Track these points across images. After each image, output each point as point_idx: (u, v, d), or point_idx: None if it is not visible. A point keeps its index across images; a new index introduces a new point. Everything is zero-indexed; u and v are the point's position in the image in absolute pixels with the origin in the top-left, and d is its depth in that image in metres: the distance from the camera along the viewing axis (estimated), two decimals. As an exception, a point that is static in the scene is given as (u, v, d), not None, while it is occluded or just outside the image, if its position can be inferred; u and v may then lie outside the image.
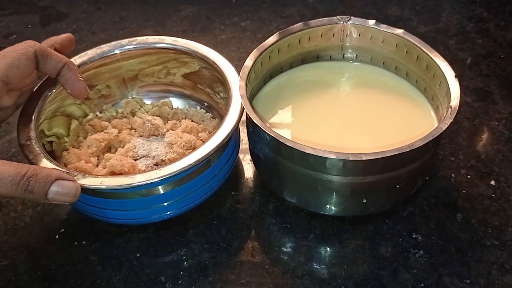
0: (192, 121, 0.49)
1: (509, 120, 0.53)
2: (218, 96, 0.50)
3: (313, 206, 0.43)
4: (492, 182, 0.47)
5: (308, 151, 0.37)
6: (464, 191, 0.47)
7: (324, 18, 0.48)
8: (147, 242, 0.44)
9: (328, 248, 0.43)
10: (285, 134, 0.44)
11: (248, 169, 0.50)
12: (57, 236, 0.45)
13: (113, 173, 0.43)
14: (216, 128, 0.41)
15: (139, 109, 0.52)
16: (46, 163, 0.39)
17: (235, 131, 0.43)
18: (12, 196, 0.35)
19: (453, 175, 0.48)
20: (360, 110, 0.47)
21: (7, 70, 0.38)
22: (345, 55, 0.50)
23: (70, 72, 0.40)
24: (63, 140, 0.48)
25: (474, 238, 0.43)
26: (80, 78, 0.41)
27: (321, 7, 0.68)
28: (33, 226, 0.46)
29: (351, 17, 0.48)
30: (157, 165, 0.45)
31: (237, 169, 0.50)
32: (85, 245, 0.44)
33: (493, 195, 0.46)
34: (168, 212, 0.42)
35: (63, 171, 0.37)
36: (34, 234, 0.45)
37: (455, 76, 0.42)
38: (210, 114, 0.51)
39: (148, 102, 0.53)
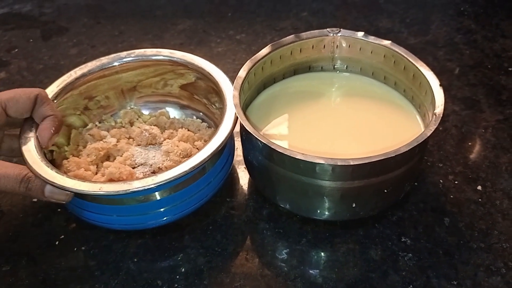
0: (188, 130, 0.51)
1: (495, 127, 0.54)
2: (214, 107, 0.52)
3: (305, 211, 0.44)
4: (479, 188, 0.49)
5: (298, 156, 0.39)
6: (451, 196, 0.48)
7: (315, 31, 0.50)
8: (144, 247, 0.45)
9: (320, 252, 0.44)
10: (278, 141, 0.46)
11: (243, 176, 0.51)
12: (57, 242, 0.46)
13: (111, 181, 0.44)
14: (211, 136, 0.43)
15: (137, 119, 0.53)
16: (46, 170, 0.40)
17: (230, 139, 0.45)
18: (15, 192, 0.41)
19: (441, 180, 0.49)
20: (350, 118, 0.49)
21: (7, 100, 0.43)
22: (336, 66, 0.52)
23: (50, 122, 0.43)
24: (63, 149, 0.49)
25: (461, 241, 0.44)
26: (52, 131, 0.43)
27: (314, 20, 0.70)
28: (34, 232, 0.47)
29: (341, 29, 0.50)
30: (154, 173, 0.46)
31: (232, 176, 0.51)
32: (84, 251, 0.45)
33: (480, 199, 0.48)
34: (165, 218, 0.44)
35: (55, 183, 0.40)
36: (35, 240, 0.46)
37: (440, 85, 0.43)
38: (206, 123, 0.52)
39: (145, 112, 0.55)
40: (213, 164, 0.44)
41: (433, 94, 0.43)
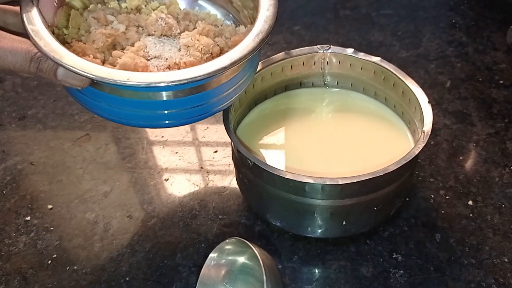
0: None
1: (486, 141, 0.55)
2: None
3: (296, 228, 0.44)
4: (470, 202, 0.49)
5: (287, 176, 0.39)
6: (443, 211, 0.48)
7: (305, 48, 0.50)
8: (136, 266, 0.45)
9: (312, 269, 0.44)
10: (269, 159, 0.46)
11: (235, 194, 0.51)
12: (49, 262, 0.46)
13: None
14: (237, 32, 0.41)
15: (145, 5, 0.46)
16: (66, 53, 0.35)
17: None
18: (26, 72, 0.35)
19: (432, 195, 0.50)
20: (341, 134, 0.49)
21: None
22: (327, 82, 0.53)
23: None
24: (61, 31, 0.42)
25: (452, 257, 0.44)
26: (55, 4, 0.38)
27: (306, 34, 0.70)
28: (26, 252, 0.47)
29: (331, 46, 0.50)
30: (169, 68, 0.41)
31: (224, 193, 0.51)
32: (77, 270, 0.45)
33: (471, 214, 0.48)
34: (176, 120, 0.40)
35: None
36: (27, 260, 0.46)
37: (429, 102, 0.44)
38: (222, 18, 0.47)
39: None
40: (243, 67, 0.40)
41: (422, 111, 0.43)
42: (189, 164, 0.55)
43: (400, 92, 0.47)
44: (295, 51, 0.50)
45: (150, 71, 0.40)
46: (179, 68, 0.40)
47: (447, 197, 0.49)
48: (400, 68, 0.48)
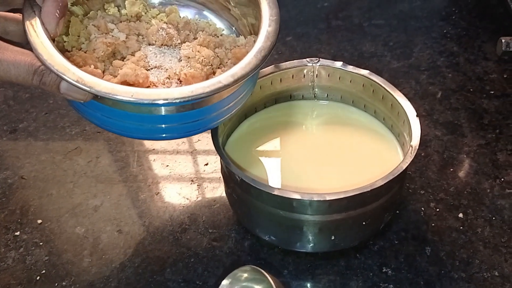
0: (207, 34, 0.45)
1: (477, 153, 0.55)
2: (232, 4, 0.46)
3: (285, 243, 0.44)
4: (460, 215, 0.49)
5: (275, 192, 0.39)
6: (433, 224, 0.48)
7: (294, 61, 0.50)
8: (125, 281, 0.45)
9: (302, 284, 0.44)
10: (259, 173, 0.46)
11: (225, 207, 0.51)
12: (38, 278, 0.46)
13: (125, 83, 0.39)
14: (235, 43, 0.42)
15: (145, 13, 0.46)
16: (71, 68, 0.35)
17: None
18: (29, 85, 0.36)
19: (422, 208, 0.49)
20: (332, 147, 0.49)
21: None
22: (317, 94, 0.53)
23: (53, 3, 0.37)
24: (61, 38, 0.42)
25: (442, 271, 0.44)
26: (57, 15, 0.37)
27: (298, 45, 0.71)
28: (15, 267, 0.47)
29: (320, 59, 0.50)
30: (169, 78, 0.41)
31: (214, 207, 0.51)
32: (65, 286, 0.45)
33: (461, 227, 0.48)
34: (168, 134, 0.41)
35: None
36: (16, 276, 0.46)
37: (417, 115, 0.44)
38: (222, 27, 0.47)
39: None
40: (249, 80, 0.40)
41: (410, 125, 0.43)
42: (180, 177, 0.55)
43: (389, 105, 0.47)
44: (284, 64, 0.50)
45: (151, 82, 0.40)
46: (179, 79, 0.41)
47: (438, 209, 0.49)
48: (391, 79, 0.48)
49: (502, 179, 0.52)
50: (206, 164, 0.56)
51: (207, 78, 0.41)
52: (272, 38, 0.40)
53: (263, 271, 0.39)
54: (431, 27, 0.73)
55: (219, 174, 0.54)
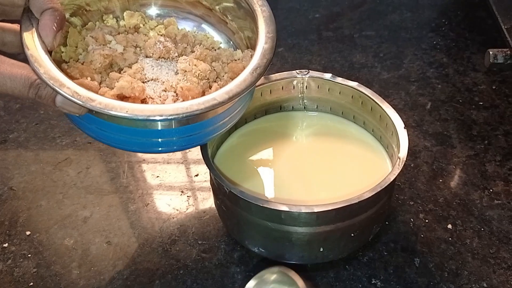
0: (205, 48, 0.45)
1: (466, 163, 0.55)
2: (229, 18, 0.46)
3: (274, 255, 0.44)
4: (449, 226, 0.49)
5: (263, 204, 0.39)
6: (422, 235, 0.48)
7: (284, 72, 0.51)
8: (114, 294, 0.45)
9: (291, 296, 0.44)
10: (248, 184, 0.46)
11: (215, 218, 0.51)
12: (25, 290, 0.46)
13: (121, 95, 0.39)
14: (231, 57, 0.42)
15: (144, 25, 0.46)
16: (60, 76, 0.35)
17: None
18: (25, 98, 0.36)
19: (412, 219, 0.50)
20: (321, 158, 0.49)
21: None
22: (306, 106, 0.53)
23: (51, 17, 0.37)
24: (59, 49, 0.42)
25: (431, 282, 0.44)
26: (54, 28, 0.37)
27: (289, 56, 0.71)
28: (2, 280, 0.46)
29: (309, 70, 0.51)
30: (166, 91, 0.41)
31: (204, 218, 0.51)
32: (53, 299, 0.45)
33: (450, 238, 0.48)
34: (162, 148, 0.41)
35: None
36: (3, 289, 0.46)
37: (404, 127, 0.44)
38: (220, 41, 0.47)
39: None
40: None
41: (398, 136, 0.43)
42: (170, 188, 0.55)
43: (378, 116, 0.48)
44: (274, 76, 0.51)
45: (147, 95, 0.40)
46: (175, 91, 0.41)
47: (427, 220, 0.49)
48: (382, 90, 0.48)
49: (491, 190, 0.52)
50: (197, 175, 0.56)
51: (203, 92, 0.41)
52: (268, 56, 0.40)
53: (292, 272, 0.38)
54: (421, 39, 0.73)
55: (209, 185, 0.54)
